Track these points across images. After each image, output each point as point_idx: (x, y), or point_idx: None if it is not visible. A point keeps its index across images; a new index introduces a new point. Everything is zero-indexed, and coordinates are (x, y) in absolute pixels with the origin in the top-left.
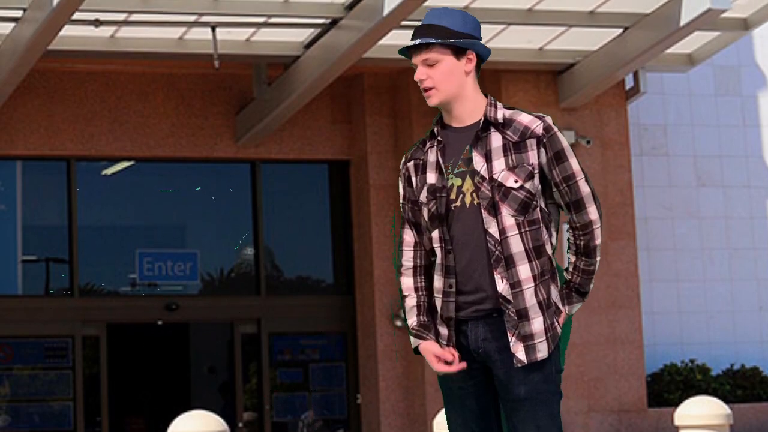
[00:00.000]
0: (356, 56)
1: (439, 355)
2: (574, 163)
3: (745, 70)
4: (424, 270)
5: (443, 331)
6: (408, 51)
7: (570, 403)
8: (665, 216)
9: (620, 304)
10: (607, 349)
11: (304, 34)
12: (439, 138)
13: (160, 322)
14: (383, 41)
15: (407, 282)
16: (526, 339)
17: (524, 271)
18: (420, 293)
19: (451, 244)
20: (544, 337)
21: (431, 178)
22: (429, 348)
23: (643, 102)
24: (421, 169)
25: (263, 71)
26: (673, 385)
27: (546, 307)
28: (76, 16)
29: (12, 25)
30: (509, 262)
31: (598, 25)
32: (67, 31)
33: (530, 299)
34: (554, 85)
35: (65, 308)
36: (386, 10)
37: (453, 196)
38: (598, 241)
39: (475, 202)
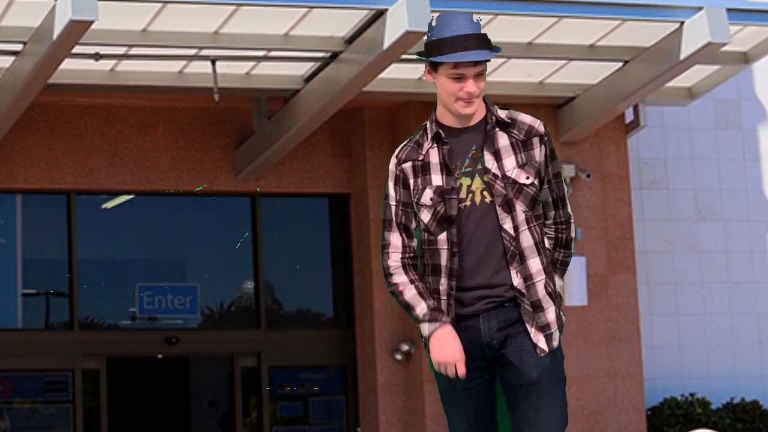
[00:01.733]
0: (356, 90)
1: (461, 354)
2: (559, 162)
3: (745, 104)
4: (413, 267)
5: None
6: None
7: None
8: (665, 250)
9: (620, 337)
10: (607, 382)
11: (304, 68)
12: (444, 140)
13: (160, 356)
14: (383, 75)
15: (398, 279)
16: (544, 329)
17: (535, 264)
18: (415, 283)
19: (458, 245)
20: (557, 326)
21: (437, 179)
22: (449, 334)
23: (643, 136)
24: (420, 170)
25: (263, 105)
26: (673, 418)
27: (554, 297)
28: (76, 49)
29: (12, 58)
30: (522, 257)
31: (598, 59)
32: (67, 64)
33: (541, 291)
34: (554, 119)
35: (65, 342)
36: (386, 44)
37: (463, 195)
38: (573, 234)
39: (487, 200)
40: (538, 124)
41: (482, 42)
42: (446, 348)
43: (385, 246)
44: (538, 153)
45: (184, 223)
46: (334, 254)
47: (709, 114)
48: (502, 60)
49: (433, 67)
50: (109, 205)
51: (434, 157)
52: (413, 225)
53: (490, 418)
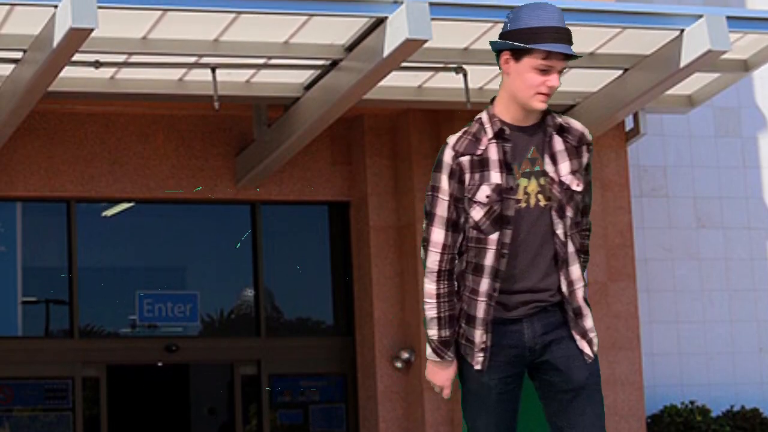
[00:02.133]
0: (356, 98)
1: (450, 383)
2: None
3: (745, 112)
4: (449, 275)
5: (478, 334)
6: (546, 51)
7: None
8: (665, 257)
9: (620, 345)
10: (607, 390)
11: (304, 76)
12: (506, 136)
13: (160, 364)
14: (383, 83)
15: (429, 288)
16: (585, 335)
17: (575, 271)
18: (441, 301)
19: (509, 247)
20: (595, 331)
21: (497, 177)
22: (444, 373)
23: (643, 143)
24: (478, 165)
25: (263, 112)
26: (673, 426)
27: (588, 304)
28: (76, 57)
29: (12, 66)
30: (568, 263)
31: (598, 67)
32: (67, 72)
33: (581, 298)
34: None
35: (65, 350)
36: (386, 52)
37: (519, 196)
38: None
39: (541, 204)
40: (588, 132)
41: (570, 38)
42: (441, 375)
43: (427, 241)
44: (585, 161)
45: (184, 231)
46: (334, 262)
47: (709, 122)
48: None
49: (516, 57)
50: (109, 212)
51: (494, 153)
52: (462, 221)
53: (514, 424)
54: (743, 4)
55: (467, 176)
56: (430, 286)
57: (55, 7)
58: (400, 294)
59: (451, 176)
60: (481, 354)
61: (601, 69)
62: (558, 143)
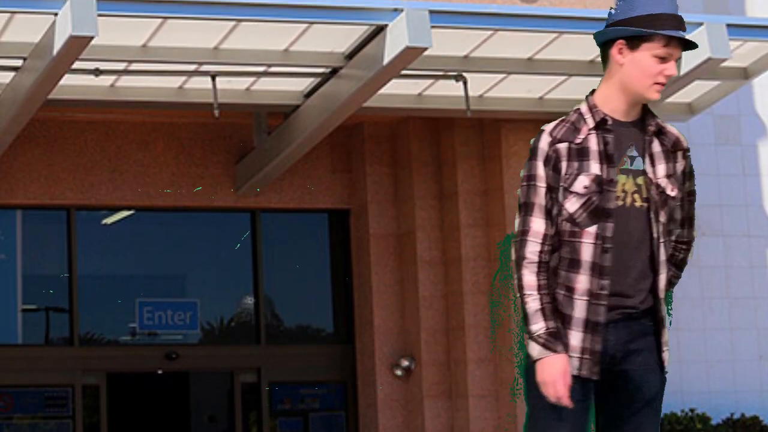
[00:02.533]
0: (356, 105)
1: (566, 377)
2: (694, 182)
3: (745, 120)
4: (548, 267)
5: (577, 336)
6: (667, 37)
7: None
8: None
9: None
10: None
11: (304, 83)
12: (608, 127)
13: (160, 371)
14: (383, 90)
15: (529, 279)
16: (663, 345)
17: (663, 279)
18: (543, 293)
19: (610, 241)
20: (668, 344)
21: (596, 168)
22: (560, 364)
23: None
24: (576, 154)
25: (263, 120)
26: None
27: (666, 317)
28: (76, 65)
29: (12, 74)
30: (660, 270)
31: (597, 74)
32: (67, 80)
33: (664, 308)
34: None
35: (65, 357)
36: (386, 60)
37: (618, 193)
38: (690, 257)
39: (637, 204)
40: (684, 138)
41: (685, 26)
42: (555, 371)
43: (525, 232)
44: (680, 167)
45: (184, 239)
46: (334, 270)
47: (709, 129)
48: (501, 76)
49: (632, 45)
50: (109, 220)
51: (594, 143)
52: (555, 212)
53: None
54: (743, 12)
55: (564, 164)
56: (530, 278)
57: (55, 14)
58: (400, 302)
59: (546, 162)
60: (590, 357)
61: (601, 76)
62: (656, 145)
